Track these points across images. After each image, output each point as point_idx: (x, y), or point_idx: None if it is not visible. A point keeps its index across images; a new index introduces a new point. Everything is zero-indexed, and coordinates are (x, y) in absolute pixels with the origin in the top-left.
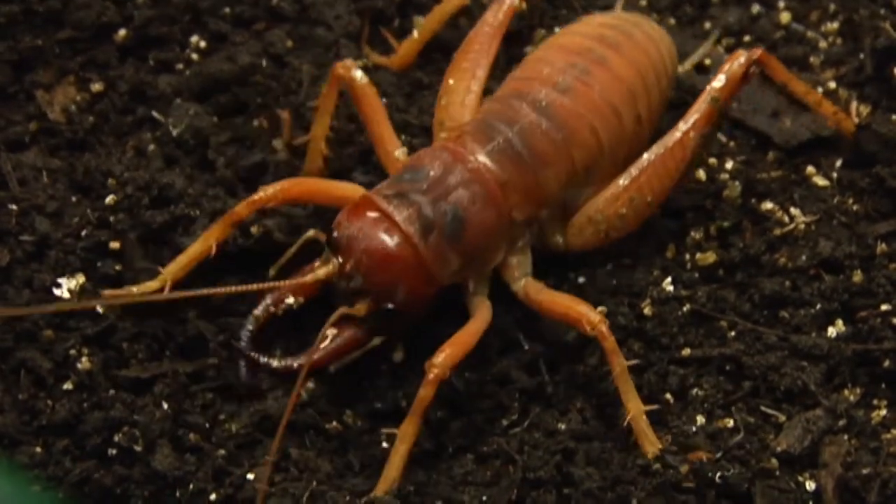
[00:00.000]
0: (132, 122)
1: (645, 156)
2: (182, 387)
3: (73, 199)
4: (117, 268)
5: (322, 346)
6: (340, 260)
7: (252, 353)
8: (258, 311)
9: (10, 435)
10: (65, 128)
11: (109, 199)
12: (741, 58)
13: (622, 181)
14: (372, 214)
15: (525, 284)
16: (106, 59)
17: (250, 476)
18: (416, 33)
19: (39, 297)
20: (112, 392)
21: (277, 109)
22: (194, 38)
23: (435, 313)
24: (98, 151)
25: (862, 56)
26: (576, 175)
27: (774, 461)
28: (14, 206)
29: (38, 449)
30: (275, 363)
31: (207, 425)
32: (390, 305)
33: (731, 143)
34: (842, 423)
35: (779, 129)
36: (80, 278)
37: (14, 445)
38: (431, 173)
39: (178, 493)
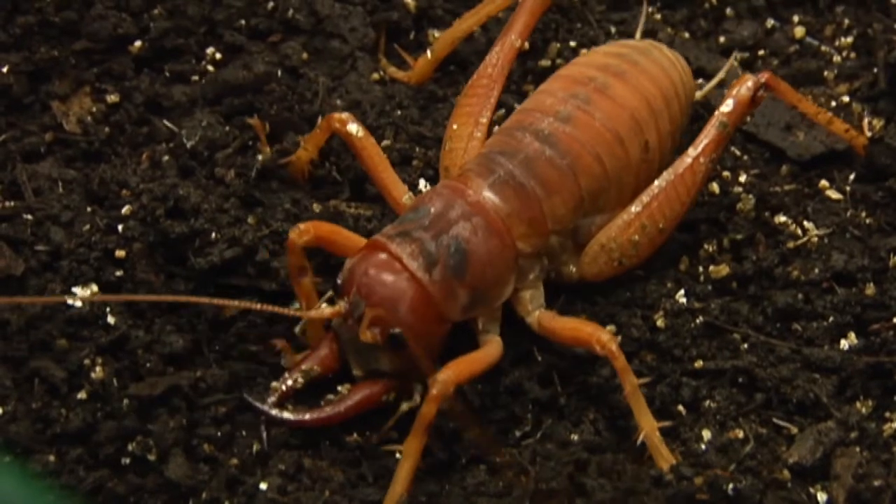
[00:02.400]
0: (147, 133)
1: (656, 182)
2: (196, 396)
3: (88, 209)
4: (131, 278)
5: (341, 402)
6: (349, 302)
7: (264, 407)
8: (278, 383)
9: (23, 443)
10: (80, 138)
11: (125, 209)
12: (749, 82)
13: (634, 208)
14: (377, 255)
15: (539, 316)
16: (122, 70)
17: (263, 486)
18: (430, 51)
19: (53, 307)
20: (126, 401)
21: (247, 118)
22: (210, 50)
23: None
24: (113, 162)
25: (876, 70)
26: (583, 203)
27: (786, 473)
28: (29, 216)
29: (52, 457)
30: (287, 415)
31: (220, 434)
32: (397, 330)
33: (745, 157)
34: (853, 435)
35: (792, 143)
36: (94, 287)
37: (28, 454)
38: (433, 210)
39: (191, 503)
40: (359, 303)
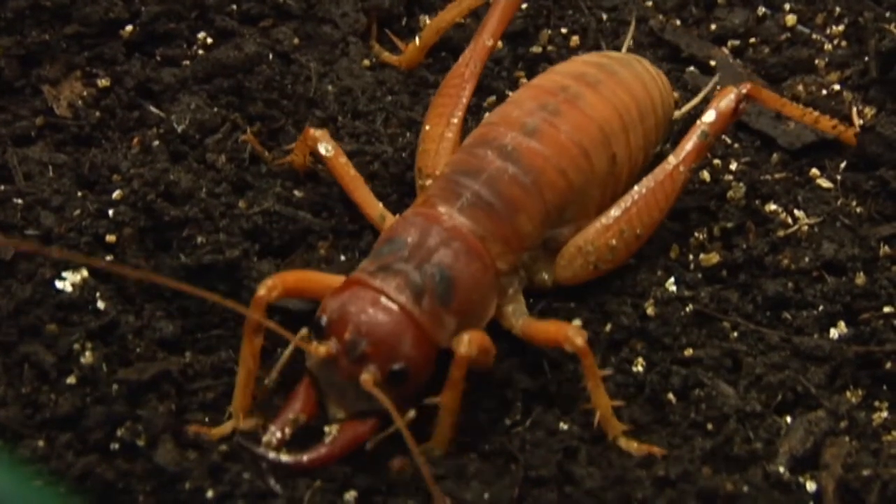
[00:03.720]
0: (138, 117)
1: (635, 188)
2: (185, 382)
3: (79, 194)
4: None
5: (334, 443)
6: (335, 341)
7: (259, 450)
8: (269, 436)
9: (12, 428)
10: (71, 123)
11: (116, 194)
12: (731, 94)
13: (613, 212)
14: (363, 292)
15: (522, 325)
16: (112, 54)
17: (246, 475)
18: (418, 38)
19: (42, 292)
20: (115, 387)
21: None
22: (201, 35)
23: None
24: (104, 146)
25: (867, 59)
26: (549, 217)
27: (776, 462)
28: (19, 201)
29: (41, 443)
30: (284, 458)
31: (207, 420)
32: (397, 366)
33: (736, 145)
34: (843, 424)
35: (783, 132)
36: (84, 273)
37: (17, 439)
38: (409, 240)
39: (179, 488)
40: (357, 342)
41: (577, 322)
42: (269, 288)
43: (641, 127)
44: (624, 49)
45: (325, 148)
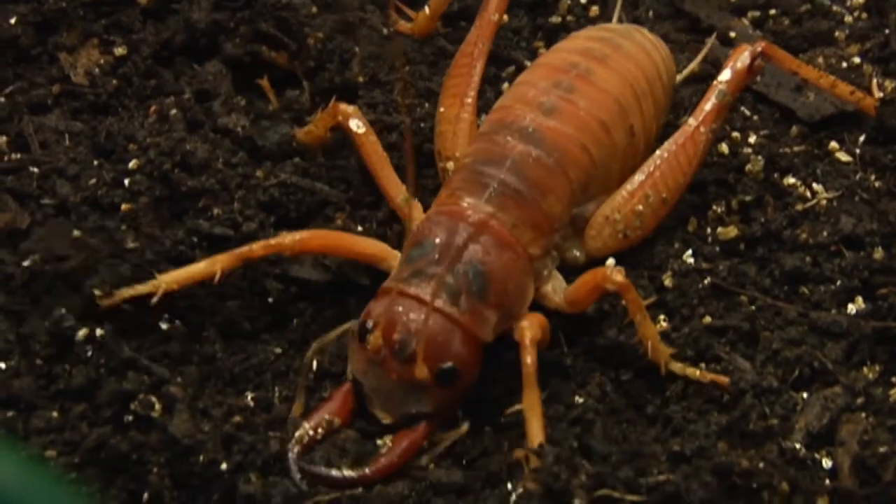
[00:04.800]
0: (155, 85)
1: (657, 152)
2: (200, 352)
3: (95, 162)
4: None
5: (391, 452)
6: (381, 340)
7: (320, 470)
8: (302, 432)
9: (26, 399)
10: (87, 91)
11: (132, 163)
12: (746, 52)
13: (637, 178)
14: (397, 305)
15: (564, 298)
16: (130, 22)
17: (261, 446)
18: (427, 7)
19: (56, 261)
20: (129, 358)
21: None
22: None
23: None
24: (120, 115)
25: (887, 31)
26: (574, 195)
27: (792, 438)
28: (35, 169)
29: (55, 414)
30: (348, 473)
31: (221, 394)
32: (447, 365)
33: (755, 118)
34: (860, 401)
35: (802, 104)
36: None
37: (30, 410)
38: (437, 241)
39: (193, 461)
40: (406, 342)
41: (610, 261)
42: (284, 244)
43: (651, 96)
44: (615, 19)
45: (357, 125)
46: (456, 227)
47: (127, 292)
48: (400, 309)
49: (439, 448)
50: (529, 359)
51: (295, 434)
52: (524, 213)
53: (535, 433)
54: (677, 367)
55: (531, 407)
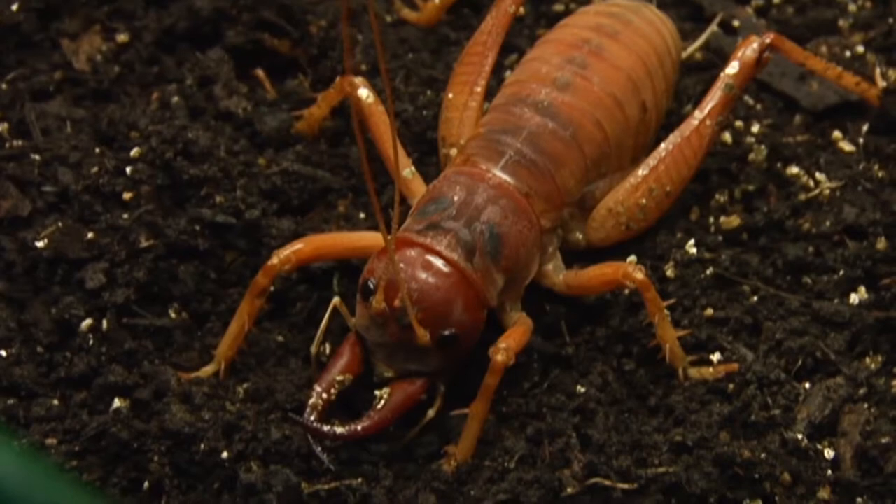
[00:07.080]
0: (157, 73)
1: (662, 145)
2: (202, 341)
3: (97, 150)
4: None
5: (380, 406)
6: (384, 304)
7: (314, 424)
8: (315, 398)
9: (27, 387)
10: (89, 77)
11: (134, 151)
12: (754, 43)
13: (641, 171)
14: (413, 251)
15: (564, 279)
16: (132, 9)
17: (261, 435)
18: None
19: (60, 250)
20: (130, 346)
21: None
22: None
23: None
24: (122, 102)
25: (891, 20)
26: (587, 171)
27: (795, 429)
28: (37, 156)
29: (56, 402)
30: (339, 430)
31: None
32: (448, 332)
33: (758, 107)
34: (862, 391)
35: (806, 93)
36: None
37: (31, 398)
38: (456, 198)
39: (193, 449)
40: (408, 308)
41: (631, 258)
42: (281, 260)
43: (661, 71)
44: None
45: (366, 94)
46: (476, 187)
47: (193, 374)
48: (410, 266)
49: (410, 435)
50: (492, 381)
51: (309, 402)
52: (538, 184)
53: (469, 443)
54: (694, 372)
55: (476, 416)
